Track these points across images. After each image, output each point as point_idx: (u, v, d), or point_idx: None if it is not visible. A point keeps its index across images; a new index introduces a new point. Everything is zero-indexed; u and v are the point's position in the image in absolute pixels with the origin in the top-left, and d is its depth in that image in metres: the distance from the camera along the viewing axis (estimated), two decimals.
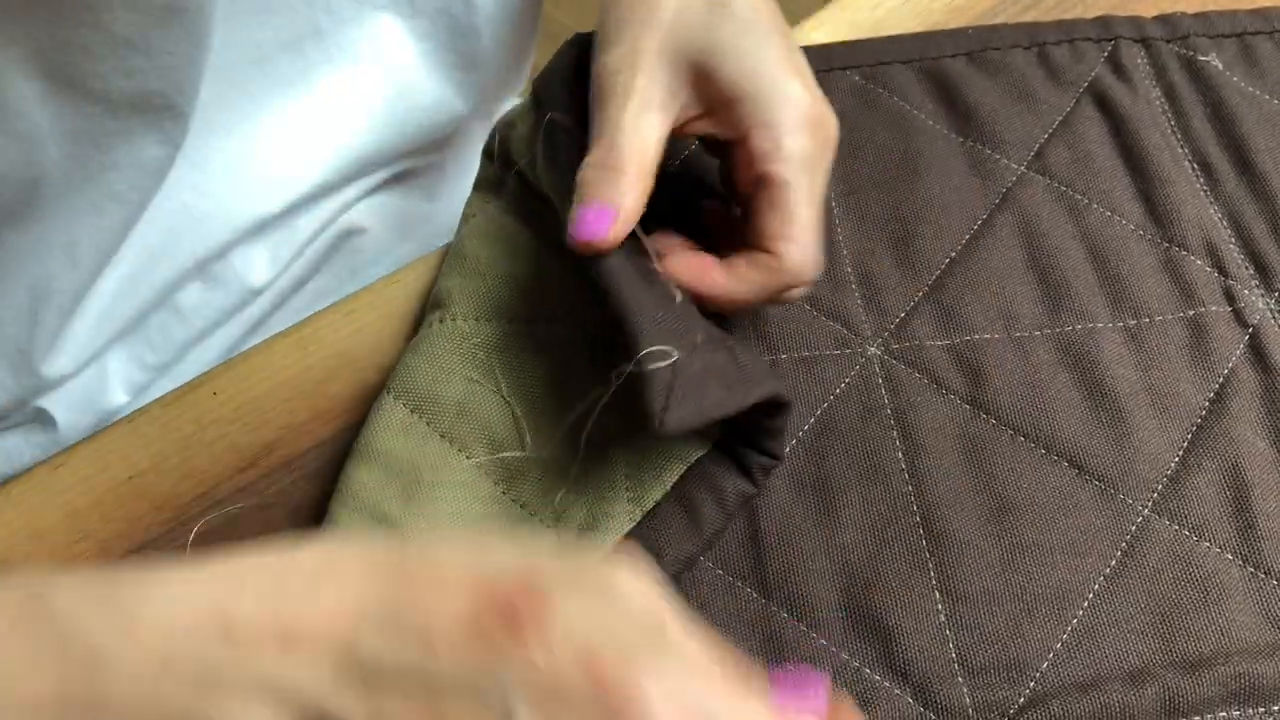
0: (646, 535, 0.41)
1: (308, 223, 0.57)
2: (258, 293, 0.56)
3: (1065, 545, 0.43)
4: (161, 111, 0.45)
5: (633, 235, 0.40)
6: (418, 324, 0.48)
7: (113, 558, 0.44)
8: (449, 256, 0.47)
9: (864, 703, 0.40)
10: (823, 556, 0.42)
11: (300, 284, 0.59)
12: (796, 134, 0.41)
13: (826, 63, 0.55)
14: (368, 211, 0.61)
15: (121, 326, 0.53)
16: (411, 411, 0.43)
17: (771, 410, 0.41)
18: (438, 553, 0.27)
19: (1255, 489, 0.44)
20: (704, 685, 0.26)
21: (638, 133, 0.40)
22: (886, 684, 0.40)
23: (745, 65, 0.41)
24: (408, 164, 0.61)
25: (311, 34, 0.53)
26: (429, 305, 0.47)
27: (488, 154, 0.49)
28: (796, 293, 0.43)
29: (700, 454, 0.42)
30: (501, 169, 0.48)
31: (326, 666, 0.25)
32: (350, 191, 0.59)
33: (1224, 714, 0.40)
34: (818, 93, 0.42)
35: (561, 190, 0.41)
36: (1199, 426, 0.46)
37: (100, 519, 0.44)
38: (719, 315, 0.43)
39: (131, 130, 0.45)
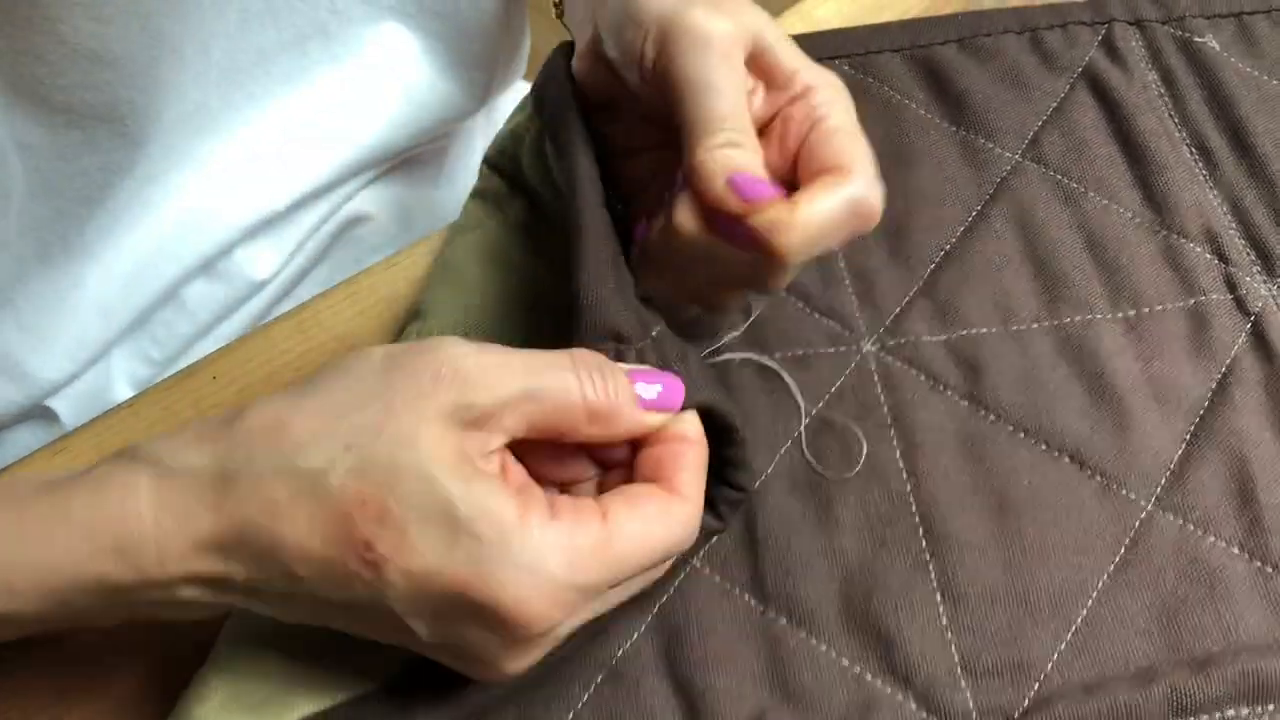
0: None
1: (312, 215, 0.57)
2: (262, 286, 0.57)
3: (1067, 543, 0.42)
4: (125, 117, 0.45)
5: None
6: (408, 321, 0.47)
7: None
8: (437, 267, 0.47)
9: (866, 709, 0.39)
10: (821, 560, 0.42)
11: (305, 274, 0.60)
12: (835, 90, 0.41)
13: (815, 53, 0.53)
14: (372, 199, 0.61)
15: (125, 325, 0.53)
16: None
17: (729, 438, 0.38)
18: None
19: (1260, 481, 0.43)
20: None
21: (748, 115, 0.39)
22: (888, 690, 0.39)
23: (777, 34, 0.41)
24: (411, 152, 0.61)
25: (316, 34, 0.53)
26: (409, 314, 0.46)
27: (488, 164, 0.48)
28: (867, 223, 0.37)
29: None
30: (508, 185, 0.47)
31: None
32: (355, 182, 0.58)
33: (1232, 712, 0.39)
34: None
35: (572, 184, 0.40)
36: (1201, 418, 0.45)
37: None
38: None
39: (95, 136, 0.45)
